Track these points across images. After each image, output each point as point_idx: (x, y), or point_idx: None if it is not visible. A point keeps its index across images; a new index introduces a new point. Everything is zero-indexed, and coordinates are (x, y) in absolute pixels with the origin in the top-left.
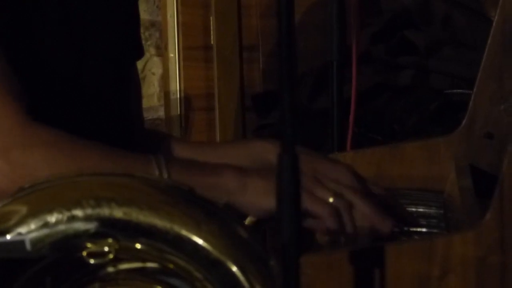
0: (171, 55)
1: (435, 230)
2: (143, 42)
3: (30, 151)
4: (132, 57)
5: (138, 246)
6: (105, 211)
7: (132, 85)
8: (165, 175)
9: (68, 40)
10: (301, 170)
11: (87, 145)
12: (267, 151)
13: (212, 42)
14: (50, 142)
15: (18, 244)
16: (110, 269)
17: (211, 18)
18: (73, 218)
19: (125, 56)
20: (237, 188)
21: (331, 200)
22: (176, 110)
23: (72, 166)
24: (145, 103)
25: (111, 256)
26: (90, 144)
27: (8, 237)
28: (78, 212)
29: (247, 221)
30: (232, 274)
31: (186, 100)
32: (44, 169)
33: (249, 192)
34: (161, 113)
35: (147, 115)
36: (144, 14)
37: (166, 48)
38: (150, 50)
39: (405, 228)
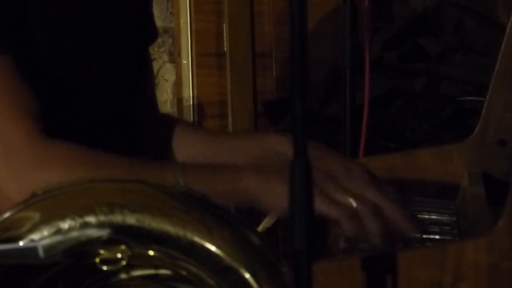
0: (184, 61)
1: (447, 237)
2: (156, 48)
3: (46, 171)
4: (144, 41)
5: (151, 252)
6: (117, 218)
7: (145, 69)
8: (182, 183)
9: (74, 35)
10: (314, 167)
11: (104, 161)
12: (280, 144)
13: (225, 49)
14: (66, 161)
15: (31, 250)
16: (123, 275)
17: (224, 25)
18: (86, 225)
19: (136, 40)
20: (257, 191)
21: (351, 201)
22: (189, 116)
23: None
24: None
25: (123, 262)
26: (106, 159)
27: (21, 243)
28: (91, 219)
29: (260, 227)
30: (245, 280)
31: (199, 106)
32: None
33: (270, 194)
34: None
35: None
36: (157, 21)
37: (179, 54)
38: (163, 57)
39: (418, 235)
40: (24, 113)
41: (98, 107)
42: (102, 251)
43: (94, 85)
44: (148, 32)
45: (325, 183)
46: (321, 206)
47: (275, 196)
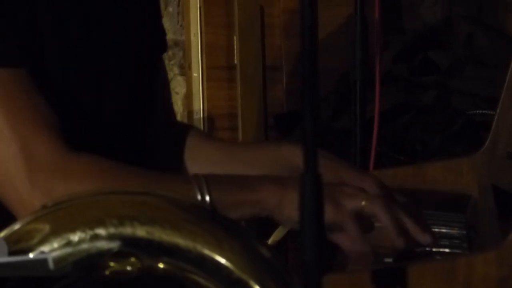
0: (195, 74)
1: (457, 251)
2: (166, 61)
3: (72, 184)
4: (157, 51)
5: (161, 265)
6: (128, 230)
7: (158, 78)
8: (207, 197)
9: (86, 48)
10: (324, 177)
11: (128, 174)
12: (294, 155)
13: (235, 62)
14: (89, 173)
15: (41, 262)
16: None
17: (234, 38)
18: (96, 237)
19: (149, 51)
20: (276, 203)
21: (363, 205)
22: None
23: None
24: None
25: (133, 274)
26: (131, 172)
27: (31, 255)
28: (101, 231)
29: (270, 240)
30: None
31: (209, 119)
32: None
33: (288, 206)
34: None
35: None
36: (168, 33)
37: (189, 67)
38: (173, 69)
39: (428, 248)
40: (46, 126)
41: (111, 120)
42: (112, 264)
43: (107, 98)
44: (158, 42)
45: (336, 192)
46: (330, 215)
47: (294, 207)
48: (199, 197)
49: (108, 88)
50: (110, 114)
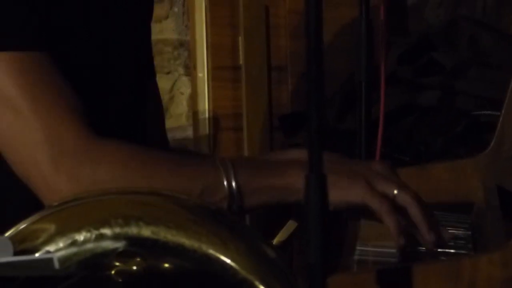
0: (200, 75)
1: (462, 251)
2: (171, 62)
3: (98, 169)
4: (148, 76)
5: (166, 265)
6: (133, 230)
7: (149, 104)
8: (233, 181)
9: (93, 60)
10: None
11: (155, 159)
12: (304, 155)
13: (240, 62)
14: (118, 159)
15: (46, 262)
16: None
17: (239, 38)
18: (101, 237)
19: (142, 75)
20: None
21: (396, 193)
22: (205, 129)
23: (140, 182)
24: (174, 122)
25: (139, 274)
26: (158, 156)
27: (37, 255)
28: (107, 231)
29: (275, 241)
30: None
31: (215, 119)
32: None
33: None
34: (189, 132)
35: (175, 135)
36: (173, 34)
37: (194, 67)
38: (178, 70)
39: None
40: (71, 110)
41: (114, 117)
42: (117, 263)
43: (111, 94)
44: (150, 68)
45: (370, 175)
46: (365, 196)
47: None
48: (225, 182)
49: (112, 85)
50: (113, 110)
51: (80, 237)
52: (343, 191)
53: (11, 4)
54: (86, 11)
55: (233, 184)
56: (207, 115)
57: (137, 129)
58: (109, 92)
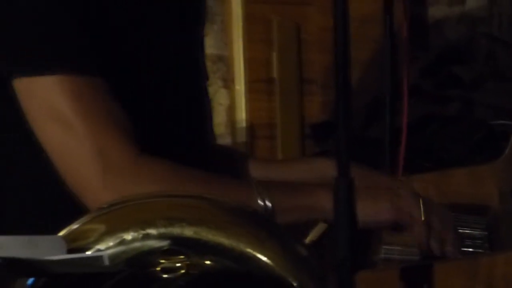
0: (238, 87)
1: (480, 250)
2: (211, 75)
3: (141, 186)
4: (205, 79)
5: (207, 262)
6: (177, 230)
7: (207, 102)
8: (268, 202)
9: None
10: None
11: (194, 178)
12: (327, 167)
13: (274, 76)
14: (160, 178)
15: (97, 259)
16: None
17: (273, 53)
18: (147, 236)
19: (201, 78)
20: (331, 207)
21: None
22: (242, 138)
23: None
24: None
25: (182, 271)
26: (196, 176)
27: (88, 253)
28: (152, 231)
29: (307, 239)
30: None
31: (251, 129)
32: None
33: None
34: (228, 140)
35: None
36: (212, 49)
37: (232, 81)
38: (217, 82)
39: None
40: (120, 129)
41: (172, 122)
42: (162, 261)
43: (167, 101)
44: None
45: (396, 196)
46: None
47: None
48: (260, 202)
49: (168, 91)
50: (171, 116)
51: (128, 236)
52: (371, 211)
53: (68, 30)
54: (144, 33)
55: (268, 203)
56: (244, 125)
57: (202, 128)
58: (167, 99)
